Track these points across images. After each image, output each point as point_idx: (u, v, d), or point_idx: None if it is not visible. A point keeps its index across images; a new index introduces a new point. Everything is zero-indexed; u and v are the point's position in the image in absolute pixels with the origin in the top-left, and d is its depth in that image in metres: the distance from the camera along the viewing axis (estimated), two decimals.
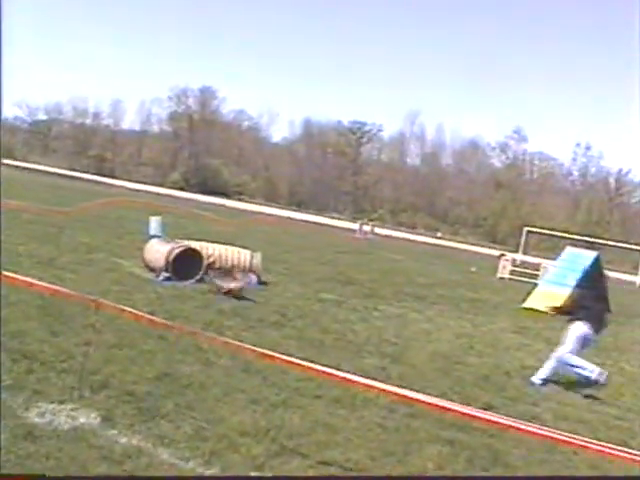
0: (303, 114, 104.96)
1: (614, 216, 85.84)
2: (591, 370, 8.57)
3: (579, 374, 8.68)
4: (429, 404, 5.05)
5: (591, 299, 8.98)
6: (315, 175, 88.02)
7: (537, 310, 16.79)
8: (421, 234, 68.34)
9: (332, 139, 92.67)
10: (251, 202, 70.38)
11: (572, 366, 8.65)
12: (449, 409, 5.17)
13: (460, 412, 5.09)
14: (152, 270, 11.80)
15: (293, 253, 22.37)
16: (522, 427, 4.99)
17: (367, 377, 7.30)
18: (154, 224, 15.61)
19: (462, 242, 65.54)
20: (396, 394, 5.29)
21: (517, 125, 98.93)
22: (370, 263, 24.86)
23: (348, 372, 7.35)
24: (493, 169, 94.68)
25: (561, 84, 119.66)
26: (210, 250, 12.47)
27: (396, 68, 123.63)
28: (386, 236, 55.63)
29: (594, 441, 6.21)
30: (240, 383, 6.34)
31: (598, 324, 9.00)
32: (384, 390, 5.49)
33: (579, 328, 8.80)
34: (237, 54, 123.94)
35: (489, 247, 60.46)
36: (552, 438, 6.07)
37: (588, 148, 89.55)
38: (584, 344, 8.87)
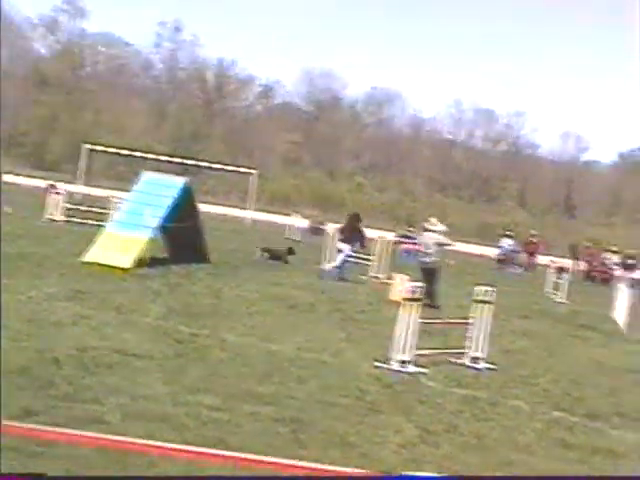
0: None
1: (216, 128, 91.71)
2: None
3: None
4: None
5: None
6: None
7: (104, 265, 17.30)
8: None
9: None
10: None
11: None
12: None
13: None
14: None
15: None
16: None
17: None
18: None
19: None
20: None
21: None
22: None
23: None
24: (37, 58, 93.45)
25: None
26: None
27: None
28: None
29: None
30: None
31: None
32: None
33: None
34: None
35: (34, 176, 60.12)
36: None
37: (178, 29, 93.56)
38: None
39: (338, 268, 23.11)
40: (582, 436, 9.58)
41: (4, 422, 5.23)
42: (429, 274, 19.36)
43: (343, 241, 23.60)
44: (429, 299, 18.60)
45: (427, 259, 20.11)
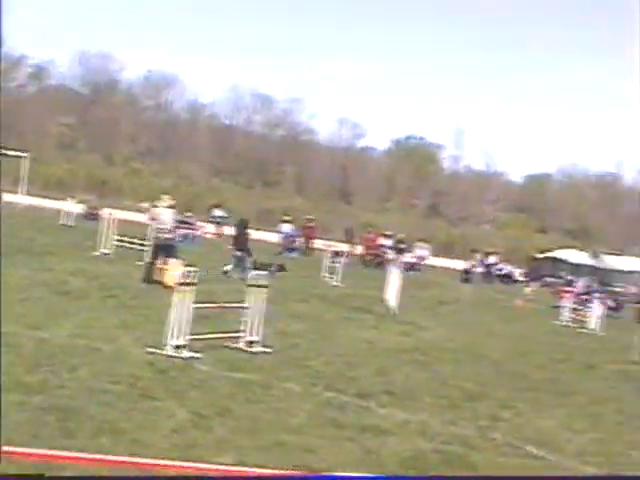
0: None
1: None
2: None
3: None
4: None
5: None
6: None
7: None
8: None
9: None
10: None
11: None
12: None
13: None
14: None
15: None
16: None
17: None
18: None
19: None
20: None
21: None
22: None
23: None
24: None
25: None
26: None
27: None
28: None
29: None
30: None
31: None
32: None
33: None
34: None
35: None
36: None
37: None
38: None
39: (242, 272, 22.67)
40: (352, 415, 9.87)
41: None
42: (160, 249, 20.32)
43: (236, 248, 25.03)
44: (148, 274, 19.23)
45: (162, 235, 20.70)
